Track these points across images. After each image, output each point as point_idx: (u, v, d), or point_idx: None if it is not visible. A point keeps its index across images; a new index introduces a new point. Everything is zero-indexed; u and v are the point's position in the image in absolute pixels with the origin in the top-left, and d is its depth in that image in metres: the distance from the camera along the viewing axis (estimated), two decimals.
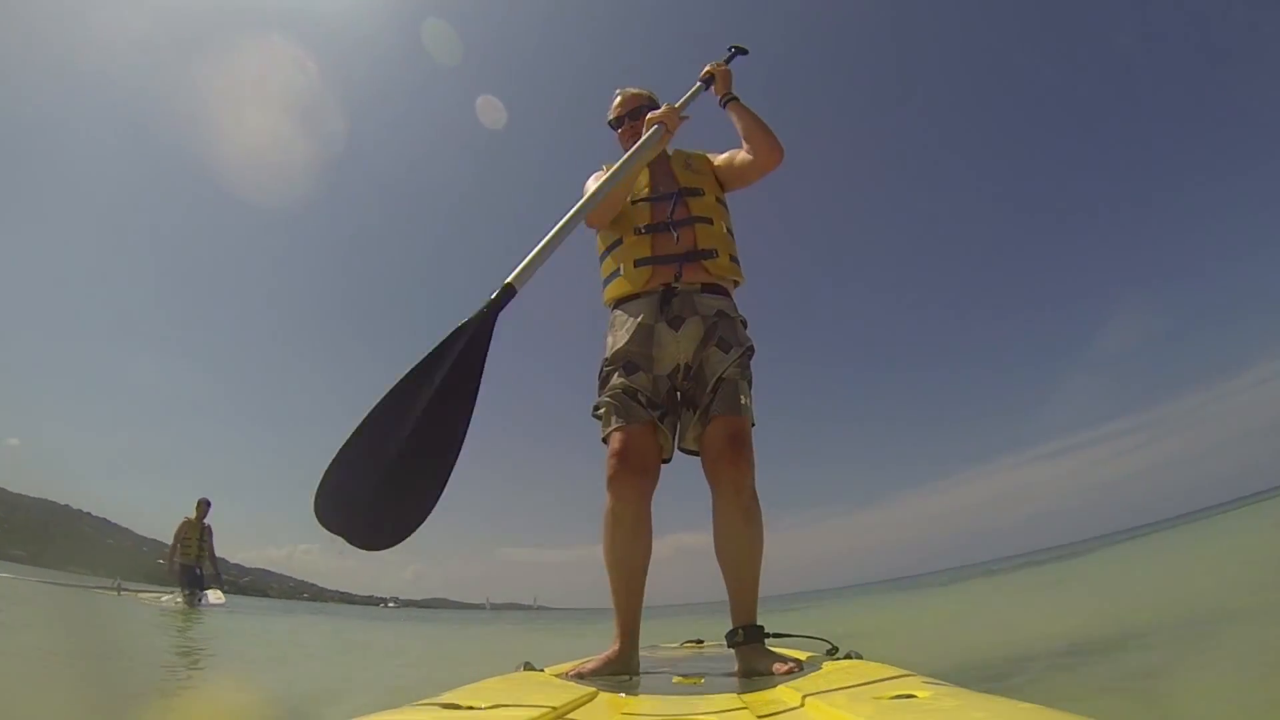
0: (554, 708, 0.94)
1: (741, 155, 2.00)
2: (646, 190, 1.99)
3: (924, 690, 0.89)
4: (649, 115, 1.92)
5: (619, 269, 1.92)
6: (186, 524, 8.35)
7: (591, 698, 1.14)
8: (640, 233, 1.91)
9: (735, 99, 2.03)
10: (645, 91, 2.14)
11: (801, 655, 1.62)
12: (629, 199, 1.97)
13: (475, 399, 1.15)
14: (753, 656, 1.59)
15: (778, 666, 1.49)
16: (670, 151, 2.08)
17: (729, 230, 1.98)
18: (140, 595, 11.08)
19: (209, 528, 8.49)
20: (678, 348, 1.81)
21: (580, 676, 1.50)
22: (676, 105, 1.99)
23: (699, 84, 2.11)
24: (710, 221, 1.92)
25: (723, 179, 2.04)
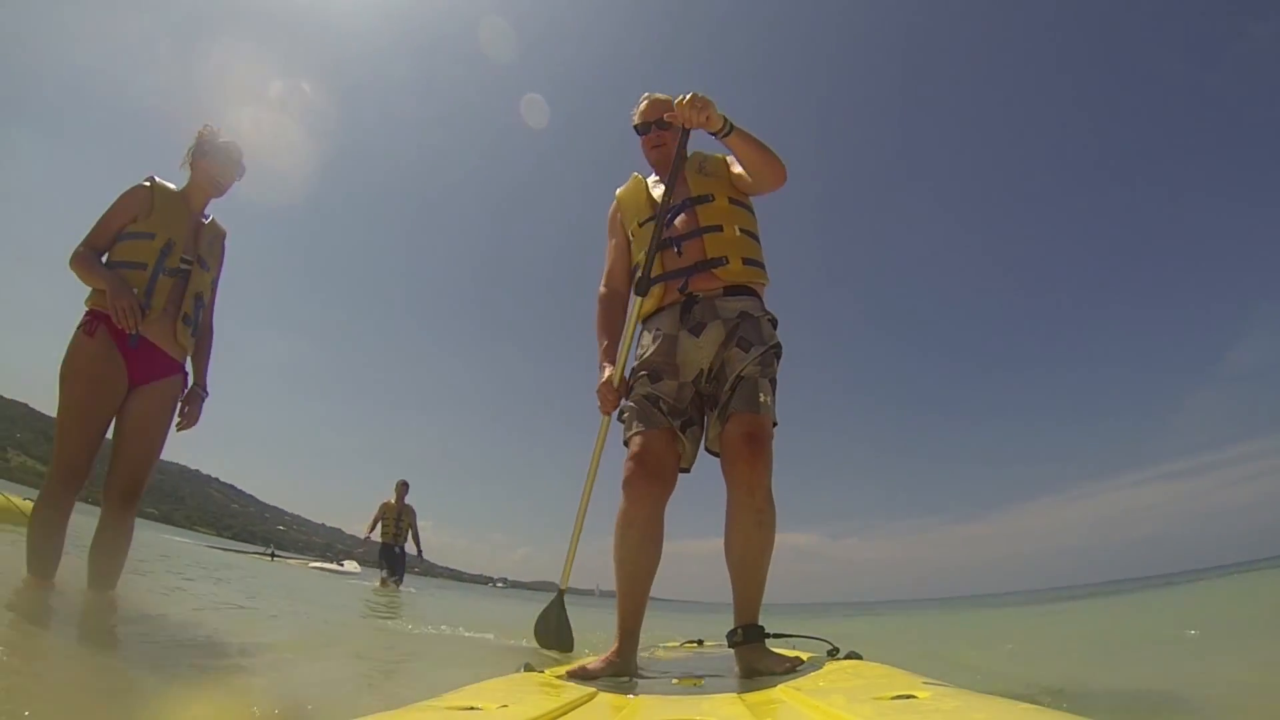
0: (554, 708, 0.95)
1: (746, 175, 1.96)
2: (649, 209, 1.99)
3: (924, 690, 0.89)
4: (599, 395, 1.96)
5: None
6: (386, 506, 8.41)
7: (591, 698, 1.14)
8: (650, 253, 1.93)
9: (732, 128, 1.84)
10: (670, 98, 2.09)
11: (802, 655, 1.62)
12: (636, 222, 2.00)
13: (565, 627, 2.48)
14: (752, 656, 1.59)
15: (777, 666, 1.49)
16: (689, 154, 2.07)
17: (744, 232, 1.94)
18: (290, 561, 11.85)
19: (410, 508, 8.54)
20: (700, 354, 1.82)
21: (580, 677, 1.50)
22: (603, 381, 1.95)
23: (681, 133, 1.91)
24: (720, 229, 1.89)
25: (737, 185, 2.01)
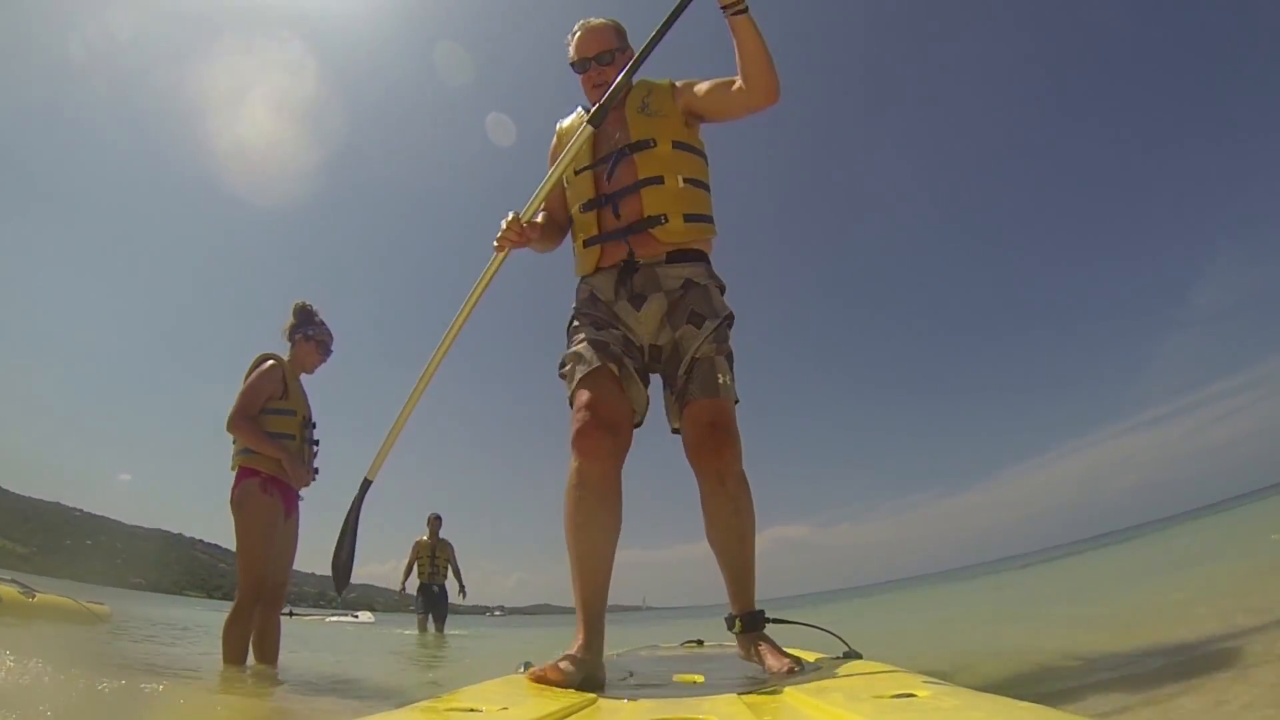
0: (555, 710, 0.94)
1: (735, 86, 1.65)
2: (588, 156, 1.76)
3: (924, 689, 0.89)
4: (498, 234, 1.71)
5: (576, 248, 1.82)
6: (419, 545, 7.80)
7: (592, 702, 1.13)
8: (584, 210, 1.76)
9: (746, 10, 1.54)
10: (609, 22, 1.83)
11: (803, 654, 1.61)
12: (573, 170, 1.77)
13: (354, 546, 1.96)
14: (753, 646, 1.55)
15: (777, 665, 1.48)
16: (633, 82, 1.74)
17: (688, 182, 1.72)
18: (308, 618, 11.79)
19: (447, 543, 7.87)
20: (641, 329, 1.69)
21: (545, 683, 1.27)
22: (523, 213, 1.71)
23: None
24: (660, 180, 1.69)
25: (699, 109, 1.75)
